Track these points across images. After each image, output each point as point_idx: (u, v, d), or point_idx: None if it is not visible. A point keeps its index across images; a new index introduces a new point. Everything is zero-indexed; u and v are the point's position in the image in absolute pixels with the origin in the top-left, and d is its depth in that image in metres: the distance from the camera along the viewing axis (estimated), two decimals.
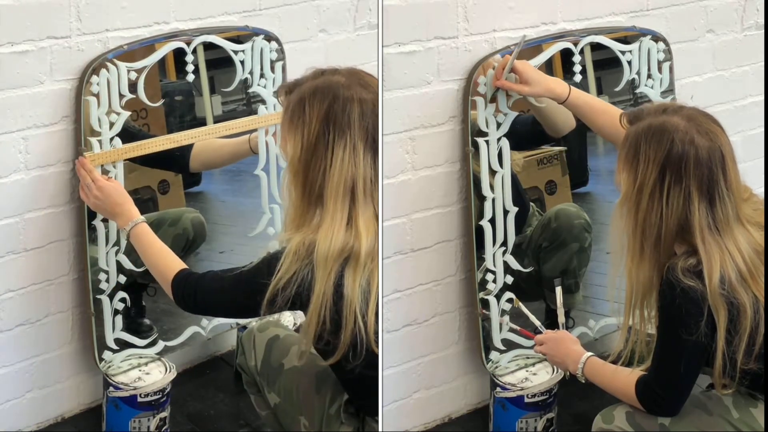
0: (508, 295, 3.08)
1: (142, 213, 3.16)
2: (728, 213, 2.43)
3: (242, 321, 3.35)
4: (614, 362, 2.58)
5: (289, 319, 3.41)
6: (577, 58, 3.13)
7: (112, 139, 2.96)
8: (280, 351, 2.76)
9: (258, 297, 2.48)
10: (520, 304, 3.01)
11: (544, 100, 3.00)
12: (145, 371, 3.08)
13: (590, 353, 2.67)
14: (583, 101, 2.92)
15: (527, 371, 3.12)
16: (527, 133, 3.09)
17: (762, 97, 3.60)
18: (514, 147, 3.05)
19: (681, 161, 2.40)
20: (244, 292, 2.53)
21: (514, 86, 2.92)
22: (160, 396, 3.05)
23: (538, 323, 2.94)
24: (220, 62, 3.21)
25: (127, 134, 3.00)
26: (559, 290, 2.94)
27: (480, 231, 3.04)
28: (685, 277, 2.38)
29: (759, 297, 2.42)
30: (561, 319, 2.92)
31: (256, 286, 2.49)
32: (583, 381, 2.67)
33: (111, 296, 3.03)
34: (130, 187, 3.05)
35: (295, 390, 2.70)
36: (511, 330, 3.07)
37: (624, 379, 2.53)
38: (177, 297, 2.67)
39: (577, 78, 3.15)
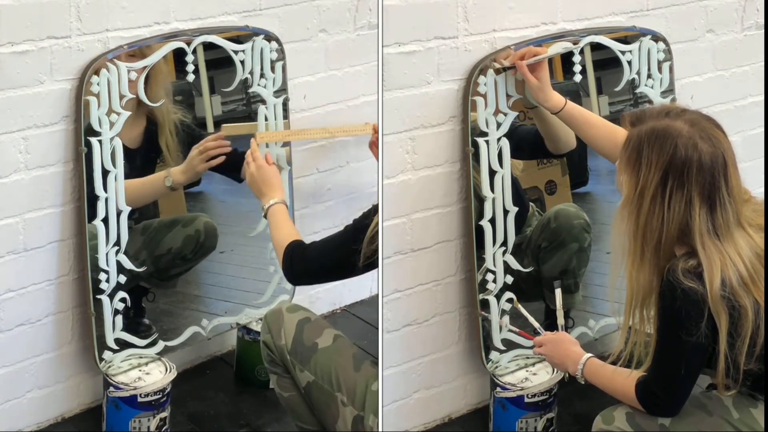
0: (508, 295, 3.08)
1: (141, 213, 3.16)
2: (729, 218, 2.42)
3: (243, 321, 3.35)
4: (614, 363, 2.58)
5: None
6: (577, 58, 3.13)
7: (112, 139, 2.96)
8: (312, 331, 2.80)
9: (360, 238, 2.68)
10: (519, 305, 3.01)
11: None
12: (145, 371, 3.08)
13: (590, 354, 2.67)
14: (579, 113, 2.93)
15: (527, 371, 3.12)
16: (529, 144, 3.10)
17: (762, 97, 3.60)
18: (515, 155, 3.05)
19: (684, 167, 2.39)
20: (347, 239, 2.72)
21: (527, 73, 2.91)
22: (160, 396, 3.05)
23: (537, 325, 2.94)
24: (220, 62, 3.21)
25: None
26: (558, 292, 2.94)
27: (480, 231, 3.04)
28: (685, 279, 2.38)
29: (759, 301, 2.42)
30: (560, 320, 2.92)
31: (361, 226, 2.69)
32: (583, 382, 2.67)
33: (111, 296, 3.03)
34: None
35: (333, 368, 2.74)
36: (510, 331, 3.07)
37: (624, 380, 2.53)
38: (285, 265, 2.83)
39: (577, 78, 3.15)
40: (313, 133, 3.34)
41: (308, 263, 2.80)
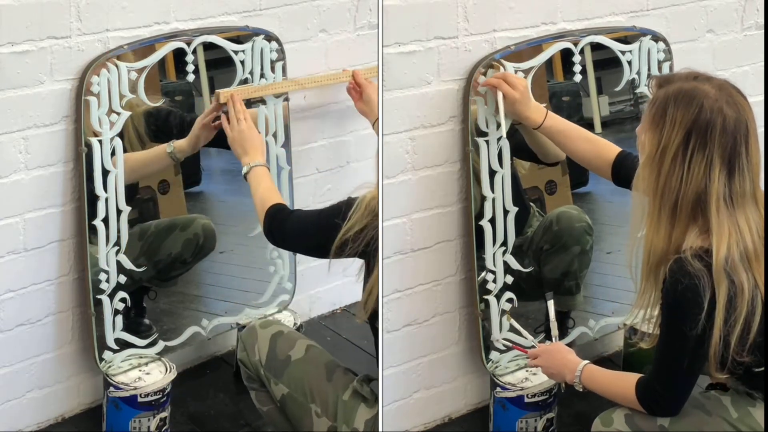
0: (508, 295, 3.08)
1: (142, 214, 3.16)
2: (745, 186, 2.44)
3: (243, 321, 3.35)
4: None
5: (289, 319, 3.41)
6: (577, 58, 3.13)
7: (112, 139, 2.97)
8: (285, 344, 2.81)
9: (333, 235, 2.65)
10: (512, 320, 3.01)
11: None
12: (146, 371, 3.08)
13: (586, 361, 2.67)
14: (557, 127, 2.94)
15: (527, 371, 3.12)
16: (526, 149, 3.11)
17: (762, 97, 3.60)
18: (516, 155, 3.05)
19: (707, 127, 2.41)
20: (321, 228, 2.69)
21: (505, 86, 2.92)
22: (161, 396, 3.05)
23: (530, 337, 2.94)
24: (220, 62, 3.21)
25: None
26: (551, 304, 2.93)
27: (480, 231, 3.04)
28: (693, 260, 2.38)
29: (759, 282, 2.42)
30: (554, 331, 2.91)
31: (333, 224, 2.65)
32: (581, 390, 2.66)
33: (111, 296, 3.03)
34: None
35: (306, 379, 2.75)
36: (504, 345, 3.07)
37: (623, 382, 2.54)
38: (265, 229, 2.84)
39: (577, 78, 3.15)
40: (280, 86, 3.27)
41: (286, 234, 2.81)
